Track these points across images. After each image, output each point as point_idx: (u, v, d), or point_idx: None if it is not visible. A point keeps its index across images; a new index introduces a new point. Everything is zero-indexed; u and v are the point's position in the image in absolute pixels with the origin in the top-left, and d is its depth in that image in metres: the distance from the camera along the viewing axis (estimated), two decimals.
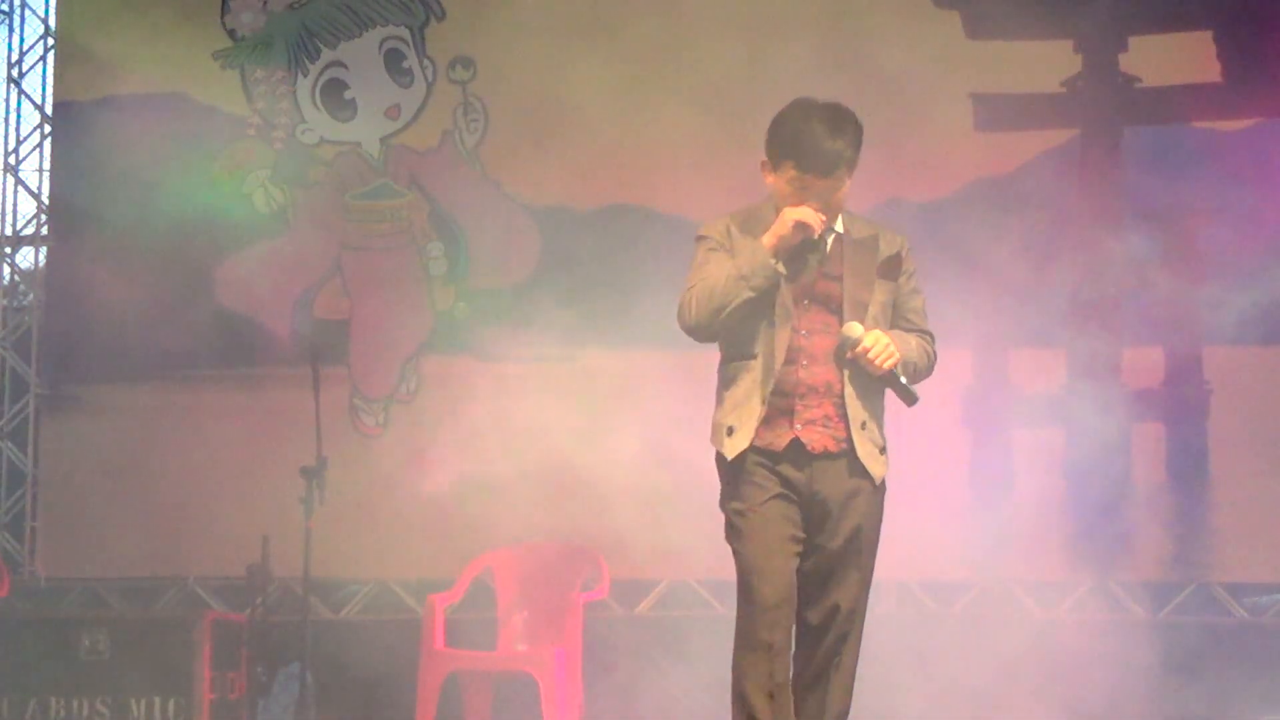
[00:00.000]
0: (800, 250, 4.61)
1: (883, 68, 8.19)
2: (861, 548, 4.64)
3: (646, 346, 8.29)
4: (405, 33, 9.08)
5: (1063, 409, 8.38)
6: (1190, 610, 8.32)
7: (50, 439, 9.13)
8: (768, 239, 4.57)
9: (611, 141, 8.74)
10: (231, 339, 8.95)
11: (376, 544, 8.61)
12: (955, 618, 8.33)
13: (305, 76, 9.12)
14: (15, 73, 9.45)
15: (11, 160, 9.43)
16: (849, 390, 4.62)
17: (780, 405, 4.60)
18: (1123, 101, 8.54)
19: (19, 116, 9.45)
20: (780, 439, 4.60)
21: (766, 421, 4.59)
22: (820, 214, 4.58)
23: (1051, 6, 8.49)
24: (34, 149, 9.43)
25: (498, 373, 8.74)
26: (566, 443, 8.28)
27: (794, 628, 4.62)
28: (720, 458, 4.67)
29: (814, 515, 4.61)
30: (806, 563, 4.62)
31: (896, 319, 4.74)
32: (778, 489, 4.59)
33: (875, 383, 4.64)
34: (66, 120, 9.28)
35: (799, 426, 4.60)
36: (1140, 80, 8.55)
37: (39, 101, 9.42)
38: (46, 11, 9.48)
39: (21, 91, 9.44)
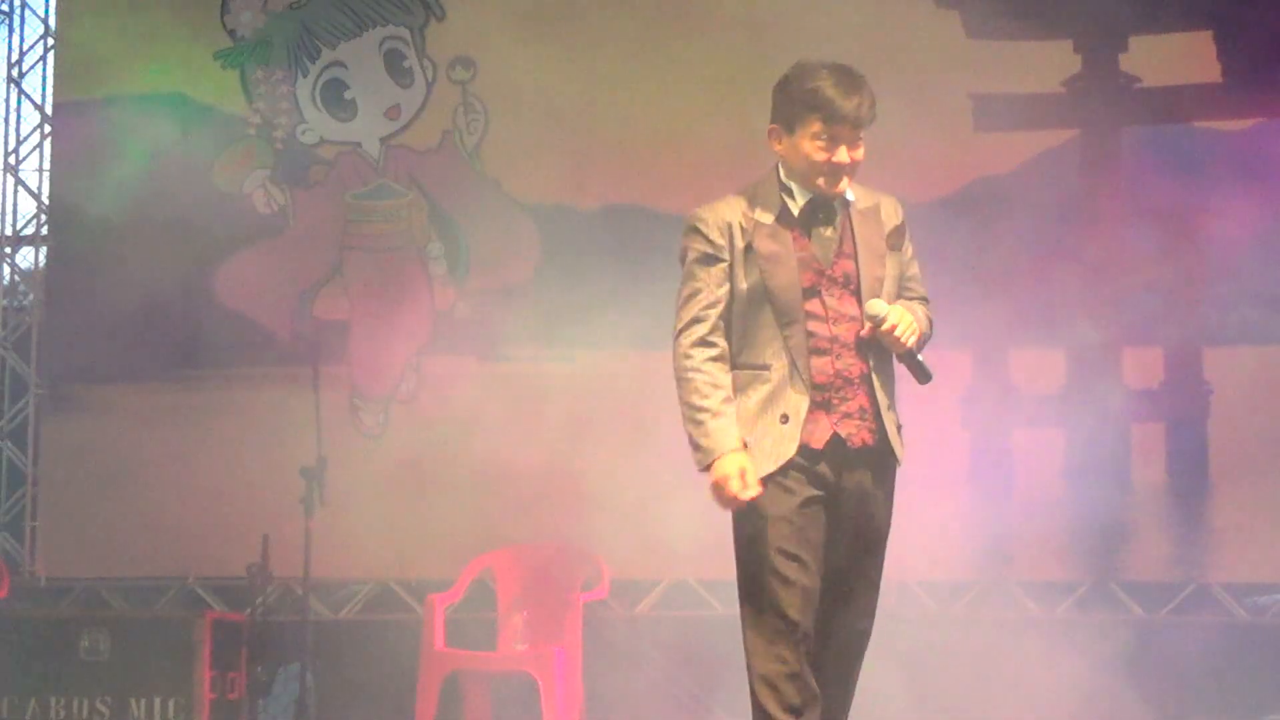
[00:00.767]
0: (814, 223, 4.46)
1: (883, 67, 8.17)
2: (883, 536, 4.51)
3: (646, 346, 8.27)
4: (405, 33, 9.08)
5: (1063, 409, 8.38)
6: (1190, 610, 8.31)
7: (50, 439, 9.13)
8: (718, 468, 4.32)
9: (611, 141, 8.75)
10: (231, 339, 8.94)
11: (376, 544, 8.61)
12: (955, 618, 8.33)
13: (305, 76, 9.12)
14: (15, 73, 9.45)
15: (11, 160, 9.43)
16: (875, 375, 4.43)
17: (816, 400, 4.40)
18: (1123, 101, 8.54)
19: (19, 116, 9.46)
20: (820, 435, 4.40)
21: (792, 427, 4.37)
22: (744, 488, 4.30)
23: (1051, 6, 8.49)
24: (34, 149, 9.43)
25: (498, 373, 8.74)
26: (566, 443, 8.29)
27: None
28: None
29: (843, 511, 4.43)
30: (832, 557, 4.45)
31: (900, 289, 4.56)
32: (810, 492, 4.39)
33: (888, 360, 4.46)
34: (66, 120, 9.29)
35: (837, 421, 4.41)
36: (1140, 80, 8.55)
37: (39, 101, 9.42)
38: (46, 11, 9.49)
39: (21, 91, 9.45)
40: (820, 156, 4.43)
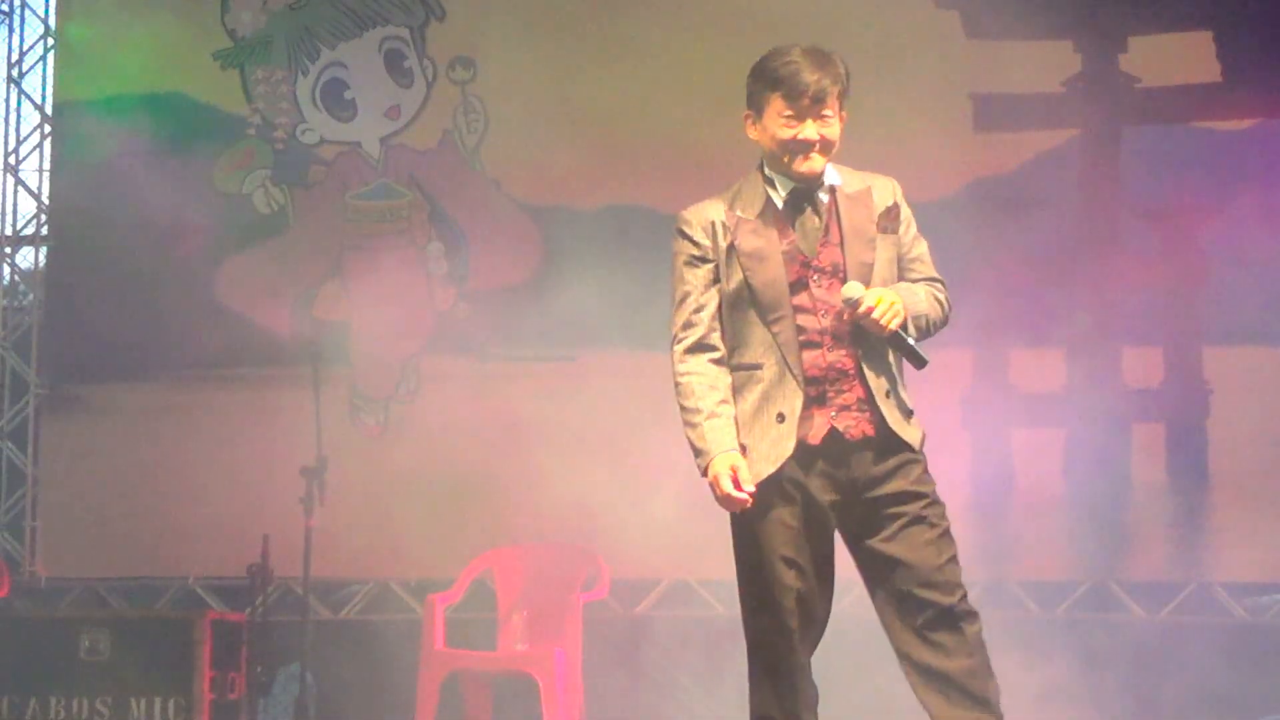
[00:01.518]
0: (798, 214, 4.38)
1: (883, 68, 8.19)
2: (920, 509, 4.32)
3: (646, 346, 8.27)
4: (405, 33, 9.08)
5: (1063, 409, 8.38)
6: (1190, 610, 8.31)
7: (50, 439, 9.13)
8: (710, 469, 4.30)
9: (611, 141, 8.75)
10: (231, 339, 8.94)
11: (376, 544, 8.61)
12: None
13: (305, 76, 9.12)
14: (15, 73, 9.45)
15: (11, 160, 9.43)
16: (865, 363, 4.31)
17: (811, 394, 4.31)
18: (1123, 101, 8.54)
19: (19, 116, 9.46)
20: (816, 431, 4.32)
21: (788, 426, 4.31)
22: (736, 487, 4.26)
23: (1051, 6, 8.48)
24: (34, 149, 9.43)
25: (498, 373, 8.74)
26: (566, 443, 8.29)
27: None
28: None
29: (854, 504, 4.34)
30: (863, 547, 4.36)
31: (902, 271, 4.44)
32: (810, 492, 4.32)
33: (882, 346, 4.33)
34: (66, 120, 9.29)
35: (834, 414, 4.32)
36: (1140, 80, 8.55)
37: (39, 101, 9.42)
38: (46, 11, 9.48)
39: (21, 91, 9.44)
40: (785, 134, 4.37)
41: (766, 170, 4.49)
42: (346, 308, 8.99)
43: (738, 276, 4.39)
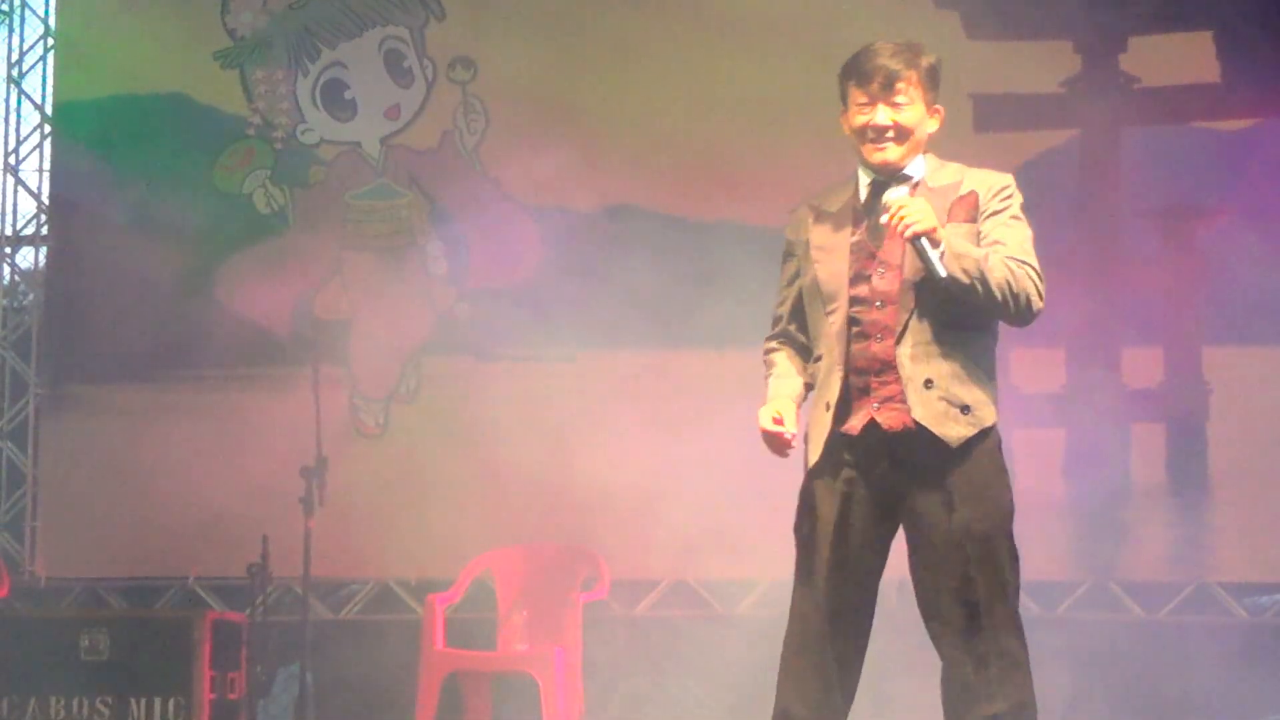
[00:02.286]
0: (876, 205, 4.36)
1: None
2: (972, 518, 4.30)
3: (646, 346, 8.30)
4: (405, 33, 9.08)
5: (1063, 409, 8.37)
6: (1190, 610, 8.31)
7: (50, 439, 9.13)
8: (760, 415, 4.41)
9: (611, 141, 8.74)
10: (231, 339, 8.94)
11: (376, 544, 8.61)
12: None
13: (305, 76, 9.12)
14: (15, 73, 9.44)
15: (11, 160, 9.43)
16: (909, 355, 4.30)
17: (857, 385, 4.34)
18: (1123, 101, 8.54)
19: (19, 116, 9.46)
20: (858, 421, 4.35)
21: (839, 416, 4.33)
22: (782, 430, 4.35)
23: (1051, 6, 8.48)
24: (34, 149, 9.43)
25: (498, 373, 8.74)
26: (566, 443, 8.28)
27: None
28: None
29: (893, 496, 4.35)
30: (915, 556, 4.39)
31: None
32: (846, 485, 4.35)
33: (945, 335, 4.31)
34: (66, 120, 9.29)
35: (876, 406, 4.33)
36: (1140, 80, 8.55)
37: (39, 101, 9.42)
38: (46, 11, 9.48)
39: (21, 91, 9.44)
40: (859, 120, 4.40)
41: (860, 164, 4.51)
42: (346, 308, 8.99)
43: (810, 270, 4.46)
